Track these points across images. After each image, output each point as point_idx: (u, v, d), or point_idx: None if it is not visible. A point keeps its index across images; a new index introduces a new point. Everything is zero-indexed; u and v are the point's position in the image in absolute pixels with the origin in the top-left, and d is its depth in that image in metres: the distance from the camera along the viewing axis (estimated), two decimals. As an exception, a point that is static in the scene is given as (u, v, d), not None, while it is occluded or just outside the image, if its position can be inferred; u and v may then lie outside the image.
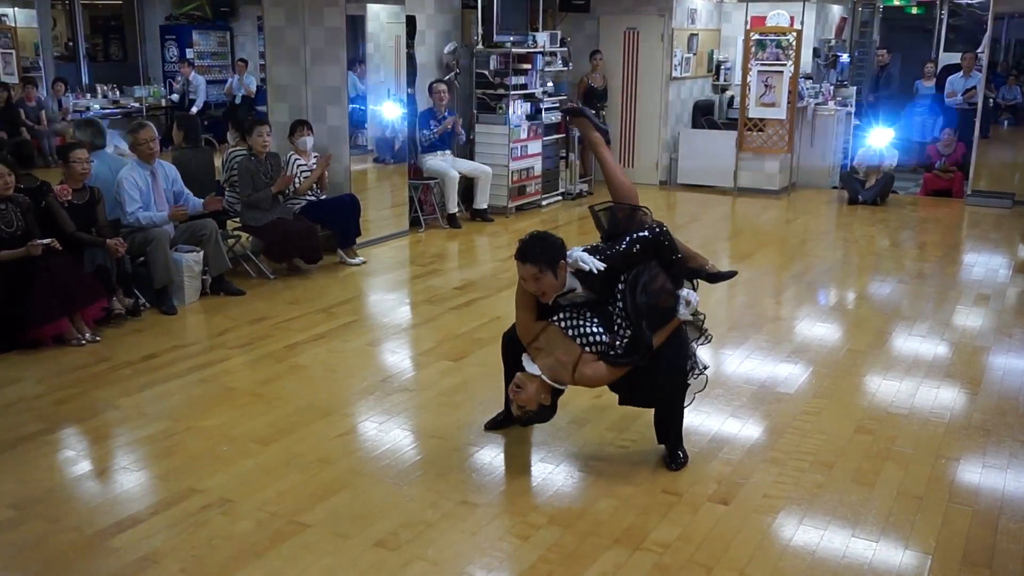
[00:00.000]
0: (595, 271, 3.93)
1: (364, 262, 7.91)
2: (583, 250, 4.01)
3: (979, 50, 11.86)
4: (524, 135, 10.13)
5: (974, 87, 11.51)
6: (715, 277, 4.31)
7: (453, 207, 9.45)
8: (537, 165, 10.46)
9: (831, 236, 9.58)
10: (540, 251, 3.91)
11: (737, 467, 4.22)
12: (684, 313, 4.04)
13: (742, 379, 5.30)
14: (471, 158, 10.01)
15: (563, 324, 4.02)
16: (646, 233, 4.02)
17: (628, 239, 4.00)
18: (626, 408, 4.57)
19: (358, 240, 8.04)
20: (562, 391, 4.06)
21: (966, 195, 10.95)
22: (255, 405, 4.90)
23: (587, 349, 3.97)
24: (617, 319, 3.97)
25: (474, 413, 4.77)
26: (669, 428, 4.24)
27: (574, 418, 4.68)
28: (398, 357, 5.77)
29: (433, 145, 9.43)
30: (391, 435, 4.55)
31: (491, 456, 4.34)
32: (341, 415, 4.80)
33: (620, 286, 3.98)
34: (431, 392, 5.11)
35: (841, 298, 7.23)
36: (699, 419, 4.68)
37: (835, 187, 11.76)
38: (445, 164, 9.46)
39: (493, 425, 4.57)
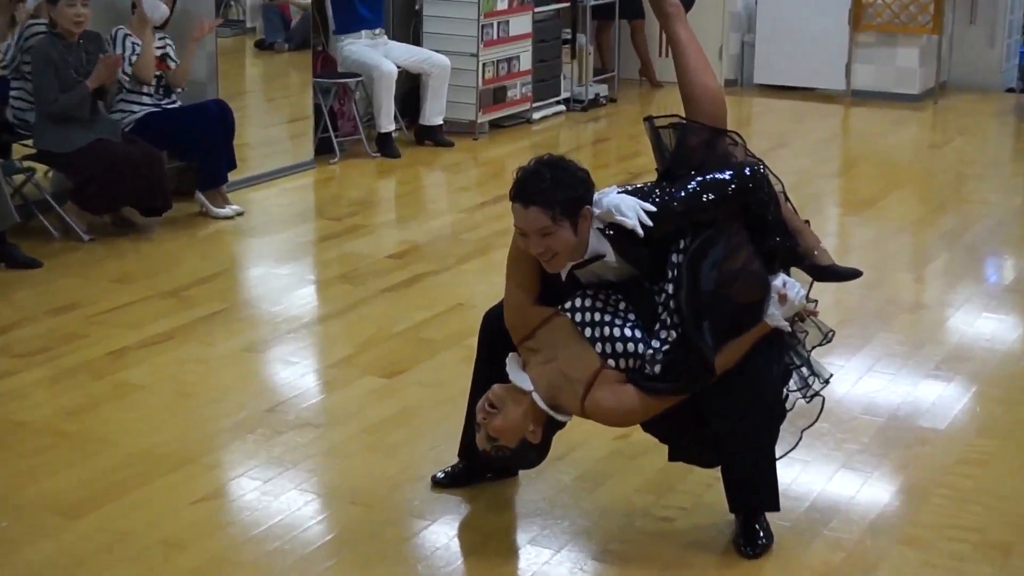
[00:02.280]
0: (639, 229, 3.87)
1: (241, 213, 7.94)
2: (621, 191, 3.95)
3: None
4: (503, 3, 10.13)
5: None
6: (824, 272, 4.27)
7: (389, 123, 9.50)
8: (525, 56, 10.50)
9: (1005, 171, 9.62)
10: (552, 188, 3.82)
11: (853, 552, 4.21)
12: (776, 316, 3.96)
13: (861, 407, 5.32)
14: (417, 42, 10.03)
15: (579, 317, 3.97)
16: (729, 175, 3.96)
17: (699, 181, 3.95)
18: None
19: (231, 178, 8.07)
20: (561, 424, 4.03)
21: None
22: (58, 451, 4.87)
23: (611, 362, 3.91)
24: (663, 313, 3.93)
25: (421, 462, 4.76)
26: (748, 490, 4.21)
27: (586, 472, 4.67)
28: (295, 371, 5.77)
29: (355, 18, 9.47)
30: (284, 500, 4.53)
31: (447, 536, 4.33)
32: (201, 467, 4.78)
33: (676, 258, 3.92)
34: (350, 428, 5.11)
35: (1022, 272, 7.28)
36: (791, 472, 4.66)
37: (1011, 89, 11.84)
38: (375, 52, 9.49)
39: (450, 481, 4.57)
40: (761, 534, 4.20)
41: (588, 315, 3.96)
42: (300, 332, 6.21)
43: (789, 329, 4.00)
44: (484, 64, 10.01)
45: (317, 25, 9.48)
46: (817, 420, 4.24)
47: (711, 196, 3.91)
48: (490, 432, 3.91)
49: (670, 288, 3.91)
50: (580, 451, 4.60)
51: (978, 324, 6.30)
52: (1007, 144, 10.31)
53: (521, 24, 10.33)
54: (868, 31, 11.52)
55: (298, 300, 6.71)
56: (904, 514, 4.47)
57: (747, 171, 3.97)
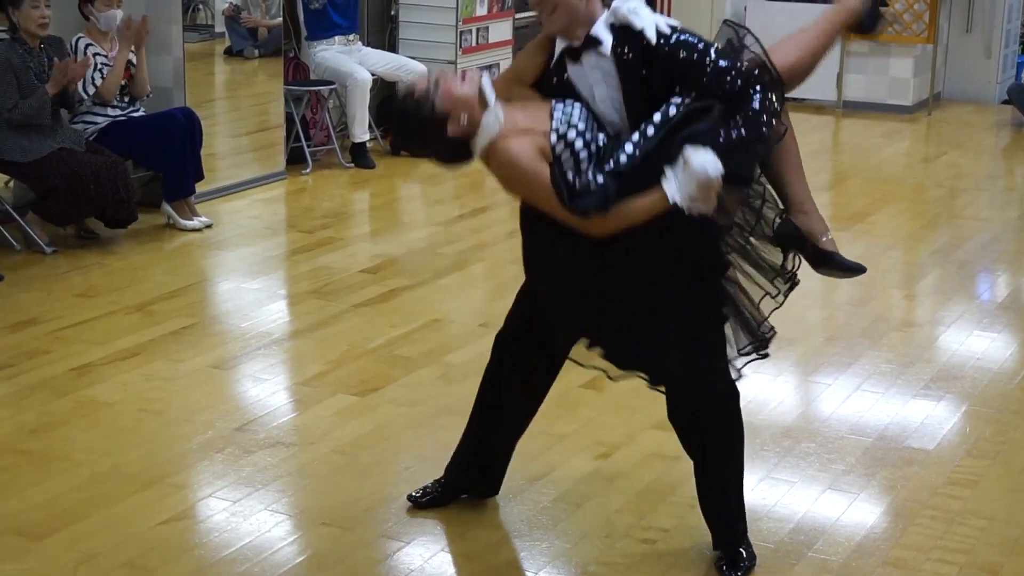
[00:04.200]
0: (650, 34, 3.78)
1: (209, 225, 7.95)
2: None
3: None
4: (483, 9, 10.18)
5: None
6: (827, 260, 4.19)
7: (363, 133, 9.53)
8: (505, 63, 10.51)
9: (1000, 185, 9.69)
10: None
11: (840, 573, 4.26)
12: (672, 186, 3.73)
13: (848, 427, 5.36)
14: (393, 49, 10.07)
15: (559, 106, 3.90)
16: (750, 85, 3.84)
17: (722, 62, 3.84)
18: (651, 478, 4.61)
19: (198, 189, 8.08)
20: (470, 154, 4.00)
21: None
22: (20, 470, 4.88)
23: (552, 137, 3.84)
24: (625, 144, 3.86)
25: (395, 482, 4.78)
26: (718, 500, 4.26)
27: (565, 493, 4.69)
28: (266, 389, 5.78)
29: (327, 24, 9.48)
30: (254, 521, 4.55)
31: (422, 558, 4.34)
32: (168, 487, 4.78)
33: (664, 110, 3.84)
34: (322, 448, 5.12)
35: (1016, 290, 7.36)
36: (776, 493, 4.73)
37: (1006, 101, 11.92)
38: (349, 59, 9.52)
39: (427, 501, 4.59)
40: (744, 555, 4.23)
41: (565, 110, 3.88)
42: (271, 348, 6.21)
43: (686, 211, 3.73)
44: (463, 70, 9.92)
45: (289, 31, 9.49)
46: (763, 354, 4.23)
47: (725, 63, 3.80)
48: (443, 90, 3.84)
49: (646, 128, 3.81)
50: (559, 472, 4.64)
51: (969, 342, 6.36)
52: (1002, 158, 10.36)
53: (501, 30, 10.38)
54: (860, 40, 11.58)
55: (269, 315, 6.70)
56: (891, 536, 4.50)
57: (768, 97, 3.83)
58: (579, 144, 3.82)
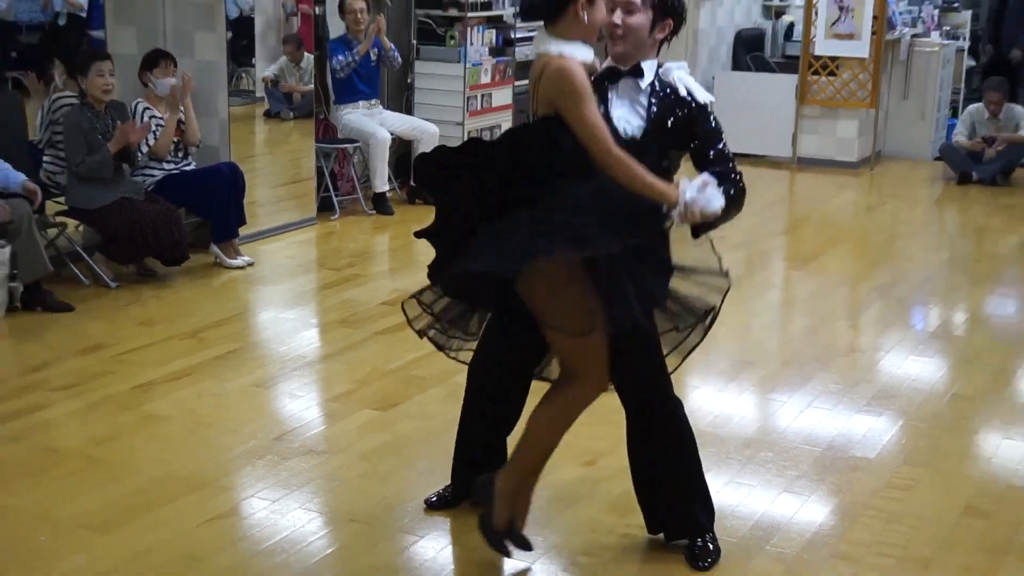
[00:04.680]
0: (699, 100, 3.99)
1: (251, 264, 7.95)
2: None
3: None
4: (487, 78, 10.22)
5: None
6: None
7: (383, 184, 9.51)
8: (506, 124, 10.52)
9: (932, 230, 9.71)
10: None
11: (792, 566, 4.27)
12: (674, 214, 3.76)
13: (801, 438, 5.38)
14: (408, 112, 10.09)
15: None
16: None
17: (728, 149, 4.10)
18: (631, 483, 4.64)
19: (241, 232, 8.09)
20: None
21: None
22: (89, 474, 4.89)
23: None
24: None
25: (412, 486, 4.80)
26: (679, 489, 4.27)
27: (556, 494, 4.71)
28: (300, 404, 5.79)
29: (353, 90, 9.48)
30: (290, 518, 4.56)
31: (435, 550, 4.37)
32: (216, 489, 4.80)
33: None
34: (349, 456, 5.13)
35: (946, 321, 7.37)
36: (739, 495, 4.75)
37: (938, 158, 11.92)
38: (371, 120, 9.52)
39: (440, 503, 4.61)
40: (711, 548, 4.26)
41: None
42: (304, 370, 6.23)
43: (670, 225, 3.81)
44: (469, 131, 10.00)
45: (319, 96, 9.53)
46: (710, 320, 4.03)
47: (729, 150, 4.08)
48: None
49: None
50: (552, 475, 4.61)
51: (905, 366, 6.38)
52: (935, 207, 10.38)
53: (503, 96, 10.39)
54: (812, 105, 11.61)
55: (303, 341, 6.72)
56: (837, 532, 4.53)
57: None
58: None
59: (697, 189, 3.70)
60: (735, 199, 3.97)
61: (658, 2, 3.89)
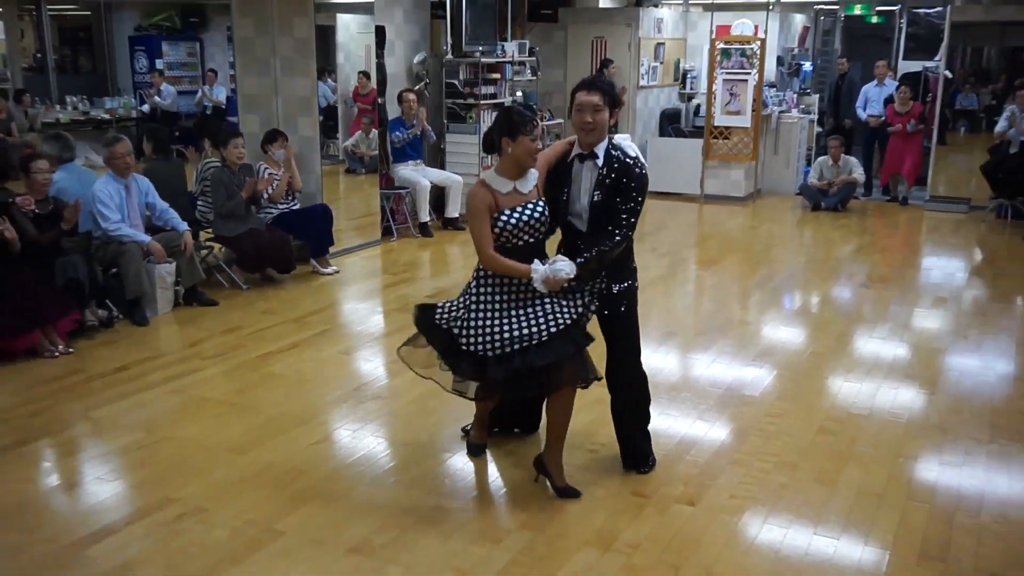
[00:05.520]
0: (640, 163, 3.90)
1: (337, 272, 7.93)
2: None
3: (936, 58, 12.08)
4: (494, 144, 10.20)
5: (891, 99, 11.44)
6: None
7: (425, 216, 9.48)
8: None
9: (795, 242, 9.72)
10: (608, 88, 3.88)
11: (704, 469, 4.29)
12: (537, 280, 3.74)
13: (709, 382, 5.39)
14: (442, 167, 10.07)
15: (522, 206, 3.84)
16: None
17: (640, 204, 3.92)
18: (595, 413, 4.63)
19: (331, 250, 8.06)
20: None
21: (925, 200, 11.17)
22: (229, 415, 4.91)
23: (506, 216, 3.80)
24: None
25: (446, 420, 4.81)
26: (633, 431, 4.27)
27: (545, 423, 4.69)
28: (371, 365, 5.78)
29: (405, 154, 9.46)
30: (364, 442, 4.58)
31: (463, 462, 4.38)
32: (315, 423, 4.81)
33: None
34: (404, 400, 5.14)
35: (804, 302, 7.35)
36: (668, 421, 4.76)
37: (798, 193, 11.90)
38: (416, 173, 9.50)
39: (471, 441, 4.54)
40: (650, 458, 4.28)
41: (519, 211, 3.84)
42: (373, 342, 6.23)
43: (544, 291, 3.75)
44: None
45: (383, 158, 9.53)
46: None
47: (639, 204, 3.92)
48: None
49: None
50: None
51: (779, 333, 6.38)
52: (796, 228, 10.38)
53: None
54: (713, 159, 11.62)
55: (372, 323, 6.72)
56: (733, 446, 4.54)
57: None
58: (509, 222, 3.80)
59: (549, 264, 3.71)
60: (605, 253, 3.82)
61: (609, 100, 3.83)
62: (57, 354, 5.72)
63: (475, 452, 4.41)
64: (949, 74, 11.55)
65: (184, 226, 6.81)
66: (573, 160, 3.96)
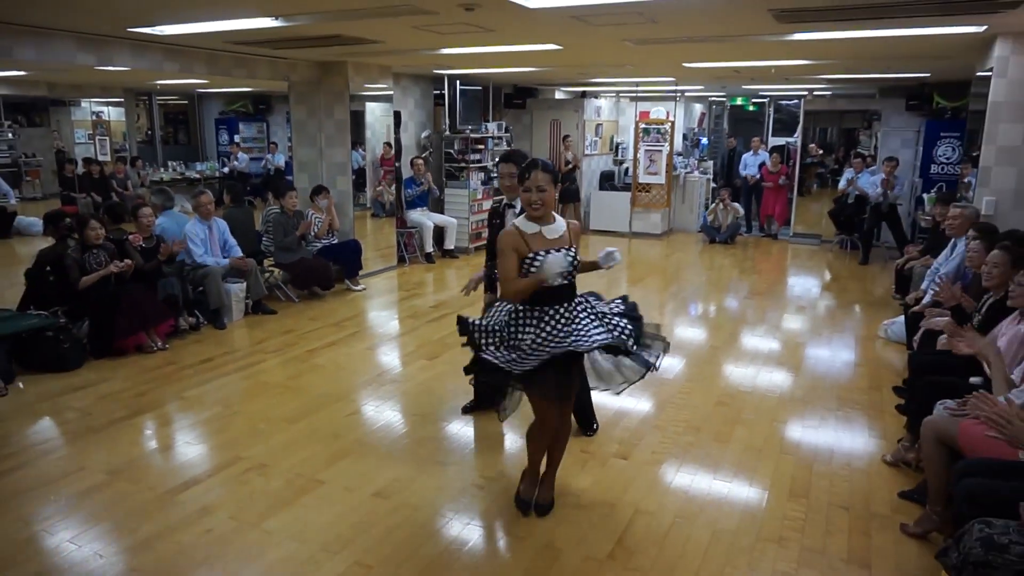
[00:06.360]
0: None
1: (364, 289, 7.84)
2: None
3: (795, 135, 12.20)
4: (480, 196, 10.18)
5: (763, 163, 11.42)
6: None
7: (429, 248, 9.40)
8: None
9: (697, 266, 9.73)
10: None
11: (633, 432, 4.26)
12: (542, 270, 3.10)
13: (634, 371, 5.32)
14: (442, 212, 10.01)
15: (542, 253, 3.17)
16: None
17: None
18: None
19: (360, 272, 7.98)
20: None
21: (790, 236, 11.25)
22: (285, 394, 4.83)
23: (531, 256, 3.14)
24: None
25: (446, 397, 4.75)
26: (587, 405, 4.24)
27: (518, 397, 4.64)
28: (389, 358, 5.71)
29: (415, 203, 9.39)
30: (385, 415, 4.51)
31: (458, 428, 4.32)
32: (348, 400, 4.75)
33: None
34: (413, 382, 5.07)
35: (705, 310, 7.34)
36: (609, 400, 4.71)
37: (699, 231, 11.94)
38: (423, 217, 9.44)
39: (467, 408, 4.50)
40: (594, 423, 4.24)
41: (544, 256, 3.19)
42: (392, 341, 6.13)
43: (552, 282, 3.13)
44: (472, 222, 9.89)
45: (399, 206, 9.48)
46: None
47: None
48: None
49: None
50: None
51: (687, 333, 6.34)
52: (699, 256, 10.42)
53: (487, 204, 10.30)
54: (638, 206, 11.64)
55: (391, 326, 6.61)
56: (654, 415, 4.50)
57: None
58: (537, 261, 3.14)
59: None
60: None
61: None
62: (157, 350, 5.61)
63: (523, 508, 3.41)
64: (821, 151, 11.55)
65: (239, 252, 6.66)
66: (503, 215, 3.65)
